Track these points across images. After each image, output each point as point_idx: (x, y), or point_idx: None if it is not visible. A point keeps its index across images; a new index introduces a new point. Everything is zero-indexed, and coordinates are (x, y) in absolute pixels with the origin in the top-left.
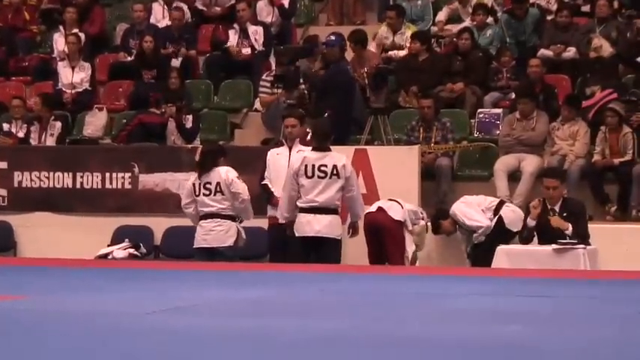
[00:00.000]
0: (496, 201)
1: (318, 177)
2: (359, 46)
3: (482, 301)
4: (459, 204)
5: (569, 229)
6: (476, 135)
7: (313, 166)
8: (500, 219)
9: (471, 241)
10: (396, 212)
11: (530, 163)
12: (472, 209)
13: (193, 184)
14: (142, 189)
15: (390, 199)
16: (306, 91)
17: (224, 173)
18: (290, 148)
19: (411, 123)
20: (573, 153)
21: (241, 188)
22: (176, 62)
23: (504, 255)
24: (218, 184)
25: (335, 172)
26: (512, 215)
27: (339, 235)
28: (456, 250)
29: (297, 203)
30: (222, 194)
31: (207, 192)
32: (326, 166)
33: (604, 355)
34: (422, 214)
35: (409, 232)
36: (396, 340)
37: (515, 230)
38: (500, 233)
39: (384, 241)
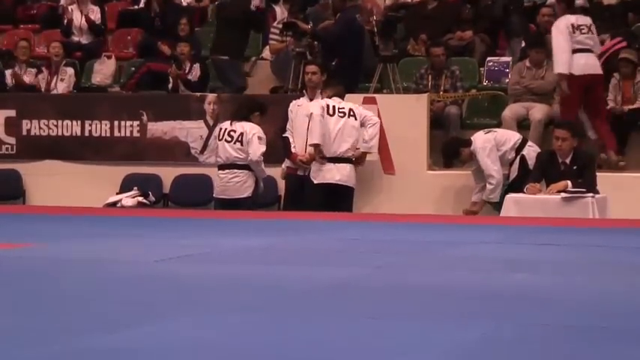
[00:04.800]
0: (520, 140)
1: (339, 116)
2: None
3: (489, 249)
4: (481, 146)
5: (569, 185)
6: (485, 83)
7: (334, 107)
8: (524, 159)
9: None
10: None
11: (538, 111)
12: (490, 157)
13: (220, 128)
14: (151, 137)
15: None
16: (316, 42)
17: (249, 128)
18: (311, 100)
19: (420, 71)
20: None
21: (253, 149)
22: (185, 9)
23: (513, 203)
24: (241, 134)
25: (352, 113)
26: (535, 155)
27: (354, 184)
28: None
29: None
30: (242, 144)
31: (230, 139)
32: (344, 108)
33: (612, 304)
34: None
35: None
36: (401, 289)
37: None
38: (525, 175)
39: None
